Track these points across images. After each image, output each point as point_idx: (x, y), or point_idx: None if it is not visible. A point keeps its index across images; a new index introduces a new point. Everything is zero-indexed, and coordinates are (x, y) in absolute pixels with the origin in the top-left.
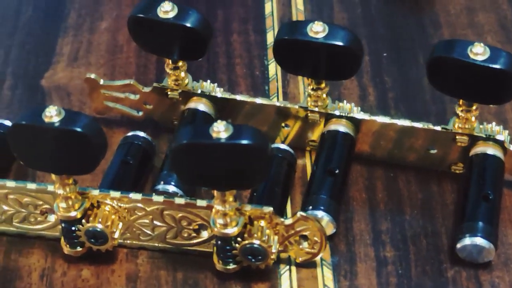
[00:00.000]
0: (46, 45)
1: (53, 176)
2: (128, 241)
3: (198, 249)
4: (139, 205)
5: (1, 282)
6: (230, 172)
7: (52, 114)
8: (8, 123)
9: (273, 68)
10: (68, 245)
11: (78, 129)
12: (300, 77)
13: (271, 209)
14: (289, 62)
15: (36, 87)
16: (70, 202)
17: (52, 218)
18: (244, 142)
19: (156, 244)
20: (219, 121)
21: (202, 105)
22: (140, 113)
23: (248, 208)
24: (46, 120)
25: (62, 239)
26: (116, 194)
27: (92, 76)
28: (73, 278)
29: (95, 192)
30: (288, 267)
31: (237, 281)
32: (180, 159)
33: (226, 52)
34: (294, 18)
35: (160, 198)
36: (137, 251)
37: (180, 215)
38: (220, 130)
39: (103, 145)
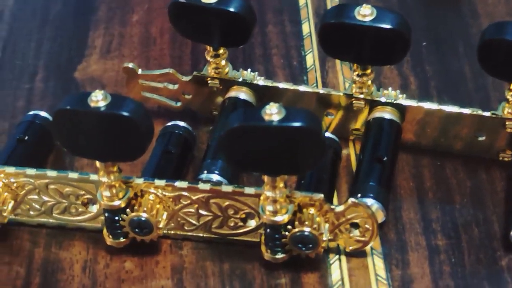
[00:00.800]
0: (77, 39)
1: (97, 164)
2: (172, 232)
3: (244, 239)
4: (185, 193)
5: (42, 275)
6: (282, 156)
7: (98, 99)
8: (43, 113)
9: (311, 59)
10: (111, 236)
11: (125, 114)
12: (339, 67)
13: (321, 196)
14: (335, 47)
15: (70, 79)
16: (114, 191)
17: (94, 208)
18: (297, 124)
19: (201, 235)
20: (271, 103)
21: (243, 94)
22: (178, 104)
23: (298, 195)
24: (92, 104)
25: (105, 230)
26: (161, 182)
27: (130, 65)
28: (116, 269)
29: (139, 181)
30: (337, 256)
31: (285, 271)
32: (231, 143)
33: (262, 43)
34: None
35: (207, 186)
36: (181, 242)
37: (227, 203)
38: (273, 112)
39: (150, 130)
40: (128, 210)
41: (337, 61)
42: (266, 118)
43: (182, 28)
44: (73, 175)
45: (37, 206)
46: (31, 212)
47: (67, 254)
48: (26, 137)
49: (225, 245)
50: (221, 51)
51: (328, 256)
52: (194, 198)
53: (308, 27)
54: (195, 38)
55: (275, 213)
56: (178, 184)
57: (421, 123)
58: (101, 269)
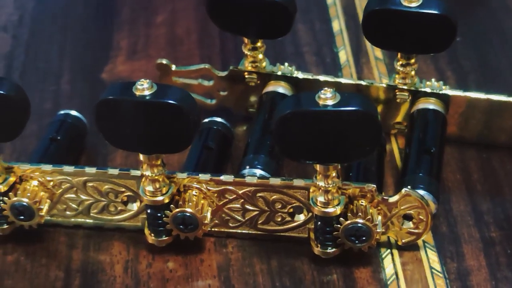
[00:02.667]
0: (101, 40)
1: (141, 157)
2: (216, 229)
3: (292, 234)
4: (230, 188)
5: (82, 276)
6: (336, 143)
7: (144, 87)
8: (74, 112)
9: (344, 55)
10: (153, 234)
11: (172, 101)
12: (373, 63)
13: (374, 186)
14: (380, 35)
15: (97, 80)
16: (158, 185)
17: (134, 206)
18: (353, 108)
19: (246, 231)
20: (325, 88)
21: (281, 88)
22: (213, 101)
23: (349, 186)
24: (138, 93)
25: (146, 228)
26: (205, 176)
27: (164, 61)
28: (159, 269)
29: (183, 175)
30: (389, 250)
31: (336, 266)
32: (284, 131)
33: (293, 41)
34: (358, 7)
35: (254, 179)
36: (225, 239)
37: (274, 197)
38: (328, 97)
39: (197, 119)
40: (172, 206)
41: (371, 57)
42: (321, 103)
43: (220, 20)
44: (113, 171)
45: (74, 205)
46: (68, 212)
47: (107, 255)
48: (59, 137)
49: (271, 242)
50: (258, 44)
51: (379, 250)
52: (240, 192)
53: (338, 25)
54: (233, 30)
55: (327, 204)
56: (224, 178)
57: (464, 115)
58: (144, 269)
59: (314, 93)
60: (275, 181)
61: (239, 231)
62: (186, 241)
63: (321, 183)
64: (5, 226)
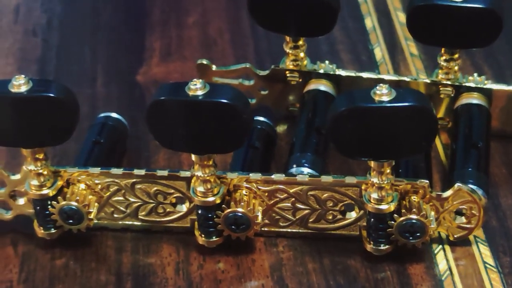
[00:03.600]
0: (133, 42)
1: (193, 157)
2: (266, 229)
3: (342, 232)
4: (281, 186)
5: (133, 279)
6: (393, 138)
7: (197, 87)
8: (115, 115)
9: (379, 52)
10: (203, 235)
11: (226, 101)
12: (410, 60)
13: (427, 182)
14: (424, 30)
15: (132, 83)
16: (209, 186)
17: (183, 207)
18: (409, 104)
19: (296, 230)
20: (381, 84)
21: (323, 86)
22: (253, 101)
23: (402, 182)
24: (191, 93)
25: (196, 229)
26: (256, 176)
27: (204, 61)
28: (211, 270)
29: (233, 175)
30: (441, 246)
31: (389, 262)
32: (341, 127)
33: (327, 39)
34: (389, 4)
35: (305, 178)
36: (275, 239)
37: (326, 195)
38: (383, 93)
39: (250, 118)
40: (223, 206)
41: (407, 53)
42: (377, 99)
43: (262, 18)
44: (163, 172)
45: (121, 208)
46: (115, 215)
47: (157, 257)
48: (102, 140)
49: (322, 241)
50: (300, 42)
51: (431, 246)
52: (291, 191)
53: (371, 22)
54: (275, 28)
55: (380, 201)
56: (275, 177)
57: (506, 109)
58: (195, 270)
59: (368, 89)
60: (327, 179)
61: (289, 230)
62: (236, 241)
63: (375, 180)
64: (53, 231)
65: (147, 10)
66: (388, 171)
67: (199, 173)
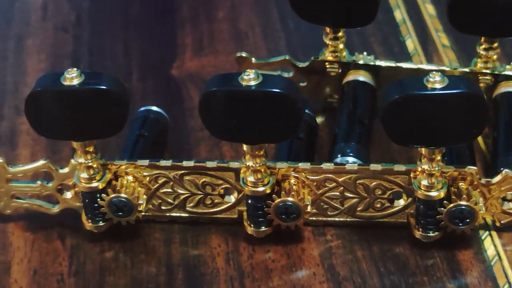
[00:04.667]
0: (165, 37)
1: (245, 147)
2: (314, 218)
3: (390, 220)
4: (330, 176)
5: (184, 270)
6: (445, 125)
7: (250, 78)
8: (155, 108)
9: (411, 44)
10: (252, 225)
11: (279, 90)
12: (442, 51)
13: (475, 169)
14: (465, 20)
15: (168, 77)
16: (259, 176)
17: (231, 198)
18: (461, 91)
19: (344, 219)
20: (434, 72)
21: (361, 77)
22: None
23: (450, 169)
24: (244, 83)
25: (245, 220)
26: (305, 165)
27: (244, 54)
28: (261, 259)
29: (282, 165)
30: (487, 232)
31: (437, 249)
32: (395, 115)
33: (358, 32)
34: None
35: (355, 166)
36: (322, 228)
37: (375, 183)
38: (436, 80)
39: (303, 107)
40: (274, 196)
41: (439, 44)
42: (430, 86)
43: (302, 10)
44: (212, 164)
45: (169, 200)
46: (163, 207)
47: (206, 248)
48: (146, 133)
49: (369, 229)
50: (340, 33)
51: (478, 232)
52: (339, 180)
53: (400, 14)
54: (315, 20)
55: (430, 188)
56: (324, 166)
57: None
58: (246, 260)
59: (420, 77)
60: (376, 167)
61: (337, 219)
62: (284, 231)
63: (426, 167)
64: (101, 224)
65: (176, 5)
66: (439, 158)
67: (250, 163)
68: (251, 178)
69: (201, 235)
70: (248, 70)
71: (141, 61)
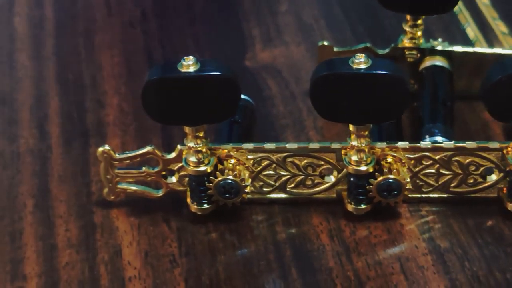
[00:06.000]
0: (231, 30)
1: (351, 127)
2: (409, 195)
3: (482, 195)
4: (427, 154)
5: (291, 247)
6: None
7: (361, 61)
8: (243, 96)
9: (471, 32)
10: (353, 203)
11: (391, 73)
12: (502, 37)
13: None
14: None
15: (242, 68)
16: (363, 155)
17: (331, 178)
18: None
19: (438, 195)
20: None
21: (439, 62)
22: None
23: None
24: (354, 66)
25: (346, 198)
26: (404, 144)
27: (325, 43)
28: (364, 235)
29: (382, 145)
30: None
31: None
32: (498, 93)
33: None
34: None
35: (451, 144)
36: (417, 205)
37: (469, 160)
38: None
39: (408, 88)
40: (377, 174)
41: (498, 31)
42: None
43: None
44: (314, 145)
45: (271, 182)
46: (264, 189)
47: (309, 226)
48: (239, 119)
49: (461, 204)
50: (419, 21)
51: None
52: (436, 158)
53: None
54: (399, 7)
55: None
56: (423, 144)
57: None
58: (349, 236)
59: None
60: (471, 144)
61: (431, 195)
62: (381, 209)
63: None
64: (206, 206)
65: (237, 0)
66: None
67: (355, 143)
68: (354, 158)
69: (302, 215)
70: (358, 54)
71: (212, 54)
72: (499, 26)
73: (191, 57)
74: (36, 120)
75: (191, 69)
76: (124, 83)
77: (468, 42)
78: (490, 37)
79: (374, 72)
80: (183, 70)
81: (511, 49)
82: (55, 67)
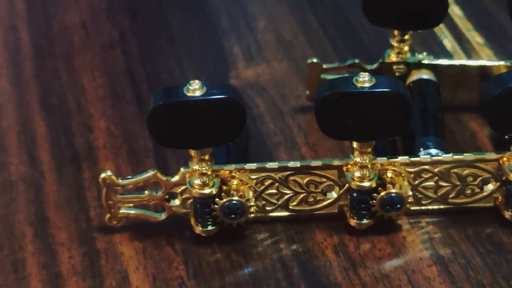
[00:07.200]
0: (212, 49)
1: (355, 144)
2: (410, 207)
3: (478, 205)
4: (427, 167)
5: (298, 265)
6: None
7: (365, 80)
8: None
9: (448, 43)
10: (355, 218)
11: (395, 90)
12: (478, 48)
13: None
14: (381, 15)
15: None
16: (365, 171)
17: (333, 194)
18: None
19: (437, 207)
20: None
21: (425, 75)
22: None
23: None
24: (358, 85)
25: (349, 213)
26: (404, 159)
27: (315, 60)
28: (368, 249)
29: (382, 160)
30: None
31: None
32: (497, 106)
33: None
34: None
35: (449, 157)
36: (416, 217)
37: (467, 171)
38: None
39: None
40: (380, 188)
41: (474, 43)
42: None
43: (375, 16)
44: (316, 163)
45: (273, 200)
46: (267, 208)
47: (313, 243)
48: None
49: (459, 214)
50: (406, 36)
51: None
52: (435, 171)
53: None
54: (386, 23)
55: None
56: (422, 158)
57: None
58: (353, 251)
59: None
60: (469, 156)
61: (430, 207)
62: (382, 222)
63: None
64: (211, 228)
65: (215, 19)
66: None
67: (358, 159)
68: (357, 174)
69: (305, 232)
70: (361, 73)
71: (195, 73)
72: (475, 37)
73: (196, 81)
74: (24, 146)
75: (198, 93)
76: (110, 105)
77: (446, 54)
78: (467, 48)
79: (379, 90)
80: (189, 94)
81: (491, 60)
82: (37, 91)
